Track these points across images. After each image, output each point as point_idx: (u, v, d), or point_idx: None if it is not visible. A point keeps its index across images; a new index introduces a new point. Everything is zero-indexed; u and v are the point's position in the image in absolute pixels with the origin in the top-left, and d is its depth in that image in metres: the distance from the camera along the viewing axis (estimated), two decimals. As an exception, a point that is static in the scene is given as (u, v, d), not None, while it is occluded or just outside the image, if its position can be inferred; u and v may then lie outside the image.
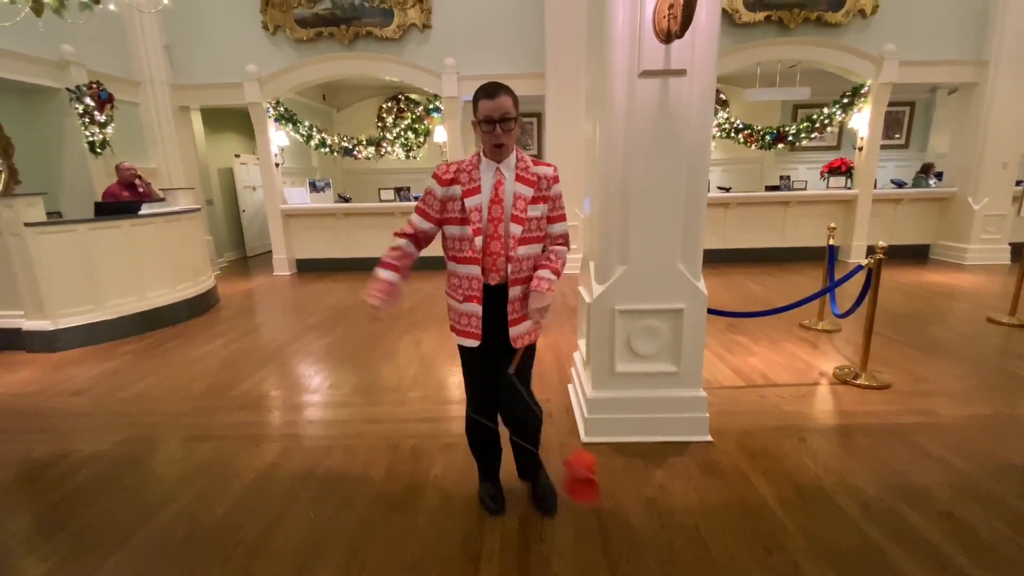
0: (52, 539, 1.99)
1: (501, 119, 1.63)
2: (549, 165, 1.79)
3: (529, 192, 1.72)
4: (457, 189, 1.71)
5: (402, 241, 1.81)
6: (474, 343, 1.80)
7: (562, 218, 1.86)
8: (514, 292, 1.78)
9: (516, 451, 2.10)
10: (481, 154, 1.73)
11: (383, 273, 1.78)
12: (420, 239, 1.84)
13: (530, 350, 1.91)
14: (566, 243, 1.89)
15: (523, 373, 1.91)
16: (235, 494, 2.23)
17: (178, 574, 1.79)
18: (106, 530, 2.03)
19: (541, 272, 1.78)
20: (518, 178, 1.71)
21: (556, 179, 1.79)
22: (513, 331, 1.80)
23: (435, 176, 1.74)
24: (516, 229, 1.71)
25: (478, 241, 1.71)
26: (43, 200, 4.29)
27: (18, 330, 4.24)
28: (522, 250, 1.75)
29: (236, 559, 1.85)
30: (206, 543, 1.94)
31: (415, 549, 1.88)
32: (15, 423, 3.00)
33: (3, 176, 5.36)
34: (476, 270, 1.74)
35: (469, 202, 1.69)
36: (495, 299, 1.77)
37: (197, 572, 1.80)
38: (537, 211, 1.75)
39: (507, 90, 1.65)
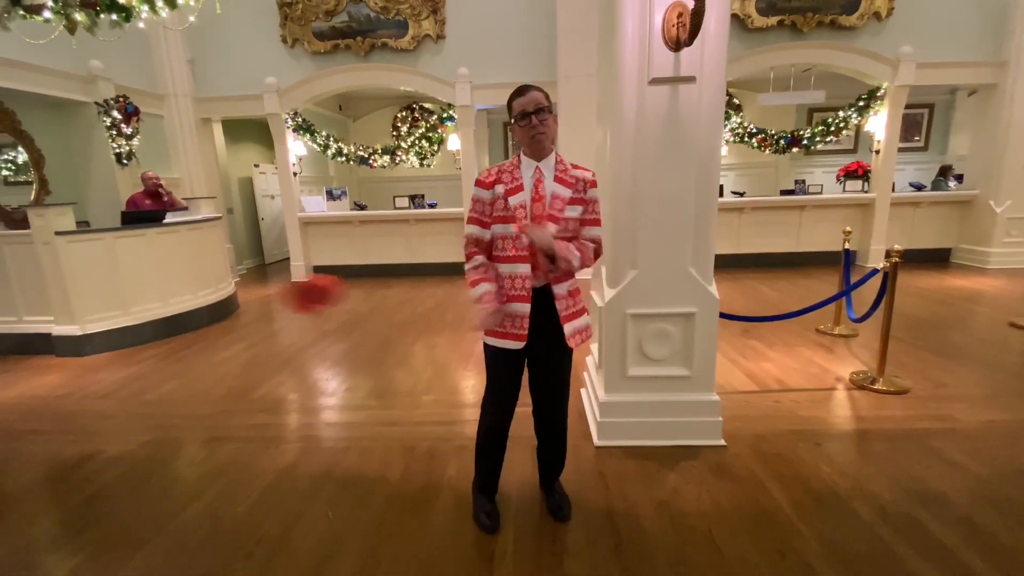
0: (82, 535, 2.07)
1: (536, 110, 1.68)
2: (587, 170, 1.82)
3: (567, 193, 1.75)
4: (500, 188, 1.75)
5: (479, 258, 1.82)
6: (518, 344, 1.78)
7: (597, 223, 1.84)
8: (559, 289, 1.79)
9: (544, 459, 2.10)
10: (521, 155, 1.77)
11: (483, 287, 1.76)
12: (485, 250, 1.84)
13: (569, 354, 1.91)
14: (598, 248, 1.85)
15: (564, 379, 1.94)
16: (256, 493, 2.30)
17: (202, 569, 1.85)
18: (133, 526, 2.11)
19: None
20: (556, 179, 1.75)
21: (594, 183, 1.81)
22: (568, 327, 1.80)
23: (478, 183, 1.78)
24: (552, 228, 1.72)
25: (525, 238, 1.71)
26: (72, 210, 4.46)
27: (48, 335, 4.39)
28: None
29: (258, 555, 1.91)
30: (229, 540, 2.00)
31: (430, 548, 1.91)
32: (45, 424, 3.11)
33: (34, 187, 5.57)
34: (524, 268, 1.74)
35: (513, 200, 1.73)
36: (541, 300, 1.78)
37: (220, 567, 1.85)
38: (574, 212, 1.77)
39: (536, 88, 1.73)
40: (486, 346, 1.87)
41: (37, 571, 1.88)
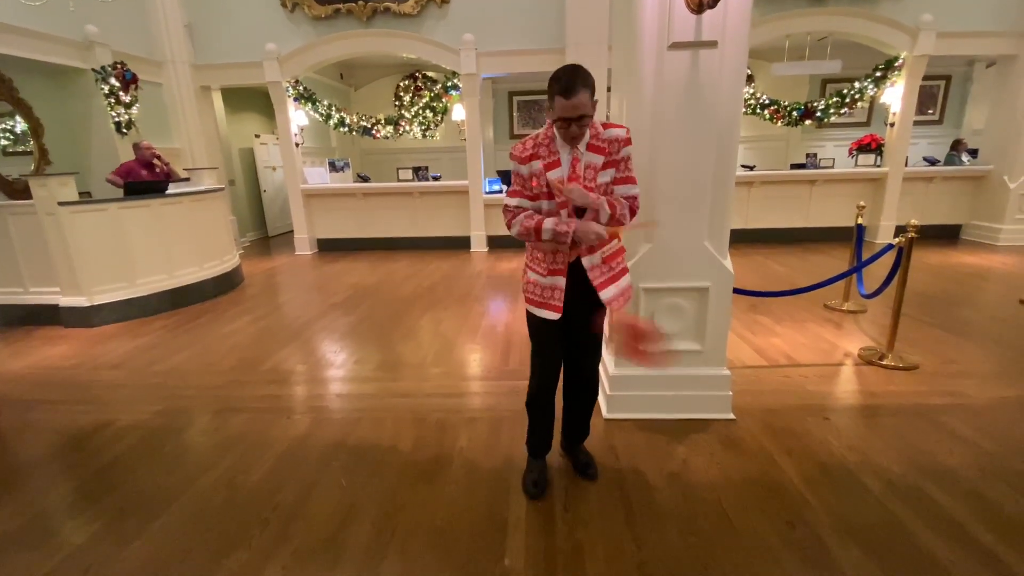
0: (100, 502, 2.10)
1: (578, 118, 1.62)
2: (621, 127, 1.75)
3: (599, 160, 1.72)
4: (537, 164, 1.73)
5: (524, 211, 1.79)
6: (555, 315, 1.83)
7: (630, 180, 1.79)
8: (590, 260, 1.80)
9: (571, 419, 2.16)
10: (555, 128, 1.71)
11: (549, 221, 1.70)
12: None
13: (602, 317, 1.93)
14: (633, 205, 1.79)
15: (599, 340, 1.99)
16: (270, 462, 2.33)
17: (220, 536, 1.89)
18: (150, 494, 2.14)
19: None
20: (590, 147, 1.72)
21: (628, 141, 1.75)
22: (603, 295, 1.81)
23: (514, 157, 1.77)
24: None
25: (564, 214, 1.72)
26: (74, 180, 4.39)
27: (55, 306, 4.40)
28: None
29: (274, 522, 1.94)
30: (245, 507, 2.03)
31: (444, 516, 1.94)
32: (58, 394, 3.14)
33: (34, 156, 5.49)
34: (563, 245, 1.75)
35: (552, 175, 1.72)
36: (575, 273, 1.82)
37: (238, 534, 1.89)
38: (607, 176, 1.75)
39: (584, 82, 1.59)
40: (528, 312, 1.92)
41: (56, 537, 1.91)
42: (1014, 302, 4.26)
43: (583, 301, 1.85)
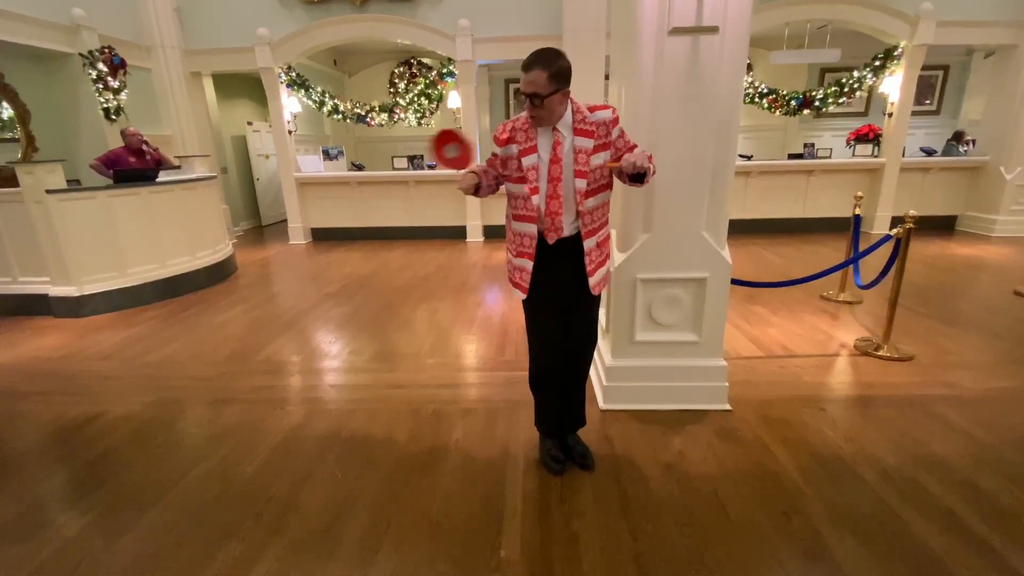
0: (91, 495, 2.08)
1: (531, 95, 1.64)
2: (606, 107, 1.76)
3: (590, 143, 1.73)
4: (513, 148, 1.74)
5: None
6: (521, 296, 1.91)
7: (634, 147, 1.81)
8: (588, 244, 1.84)
9: (565, 406, 2.14)
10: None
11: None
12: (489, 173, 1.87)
13: (596, 301, 2.01)
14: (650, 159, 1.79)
15: (592, 325, 2.03)
16: (264, 454, 2.31)
17: (213, 528, 1.87)
18: (142, 486, 2.12)
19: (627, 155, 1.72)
20: (577, 131, 1.72)
21: (615, 120, 1.76)
22: (593, 278, 1.88)
23: (494, 138, 1.80)
24: (581, 184, 1.73)
25: (535, 200, 1.75)
26: (62, 167, 4.31)
27: (45, 296, 4.33)
28: (590, 202, 1.79)
29: (268, 514, 1.92)
30: (238, 500, 2.01)
31: (439, 508, 1.93)
32: (48, 385, 3.10)
33: (21, 143, 5.39)
34: (532, 228, 1.80)
35: (526, 161, 1.73)
36: (555, 256, 1.84)
37: (231, 527, 1.87)
38: (600, 159, 1.75)
39: (544, 63, 1.62)
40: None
41: (47, 530, 1.89)
42: (1009, 293, 4.28)
43: (574, 283, 1.88)
